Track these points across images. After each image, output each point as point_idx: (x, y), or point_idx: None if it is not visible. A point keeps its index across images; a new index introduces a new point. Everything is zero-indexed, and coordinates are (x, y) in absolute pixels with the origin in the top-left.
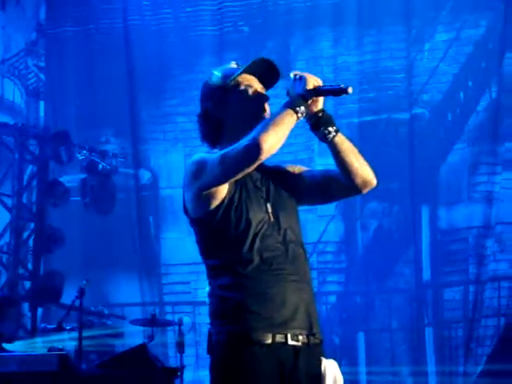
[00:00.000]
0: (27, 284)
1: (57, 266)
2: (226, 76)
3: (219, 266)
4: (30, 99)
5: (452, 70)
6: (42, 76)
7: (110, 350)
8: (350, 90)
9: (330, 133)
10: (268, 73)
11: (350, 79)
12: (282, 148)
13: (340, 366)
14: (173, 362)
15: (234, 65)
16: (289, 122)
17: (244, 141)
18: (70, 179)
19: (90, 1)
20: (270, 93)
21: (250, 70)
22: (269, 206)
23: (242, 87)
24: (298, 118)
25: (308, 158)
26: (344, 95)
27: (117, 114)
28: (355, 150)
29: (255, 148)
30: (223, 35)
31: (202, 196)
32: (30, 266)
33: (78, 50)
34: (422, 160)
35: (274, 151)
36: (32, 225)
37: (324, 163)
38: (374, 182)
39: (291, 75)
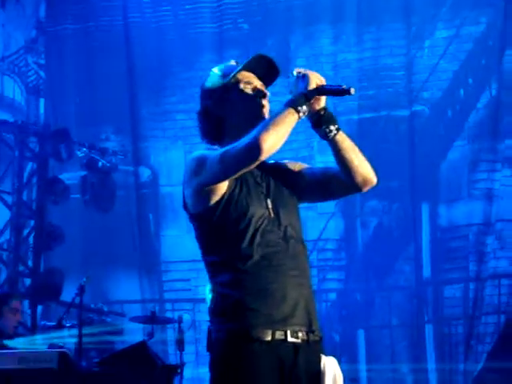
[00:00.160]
0: (27, 281)
1: (57, 264)
2: (226, 74)
3: (219, 263)
4: (30, 97)
5: (452, 67)
6: (42, 73)
7: (109, 348)
8: (352, 91)
9: (331, 131)
10: (267, 70)
11: (349, 76)
12: (282, 145)
13: (340, 363)
14: (173, 359)
15: (233, 63)
16: (290, 121)
17: (245, 140)
18: (70, 176)
19: None
20: (269, 90)
21: (249, 68)
22: (269, 201)
23: (242, 84)
24: (299, 117)
25: (308, 155)
26: (346, 95)
27: (117, 112)
28: (356, 149)
29: (256, 147)
30: (223, 32)
31: (202, 192)
32: (30, 263)
33: (77, 47)
34: (422, 157)
35: (274, 151)
36: (32, 222)
37: (324, 161)
38: (374, 180)
39: (294, 72)
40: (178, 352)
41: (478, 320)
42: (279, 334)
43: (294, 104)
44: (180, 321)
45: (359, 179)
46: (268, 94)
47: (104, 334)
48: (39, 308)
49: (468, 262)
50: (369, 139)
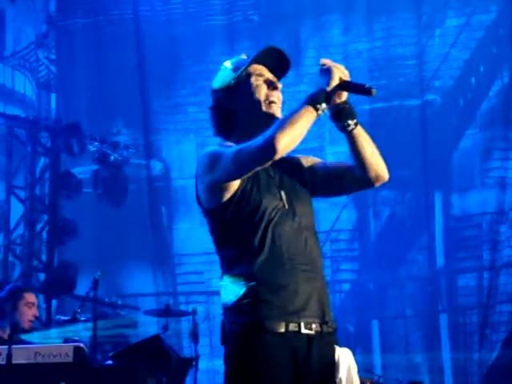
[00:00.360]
0: (41, 276)
1: (70, 258)
2: (237, 67)
3: (232, 256)
4: (41, 92)
5: (463, 55)
6: (52, 68)
7: (124, 341)
8: (374, 92)
9: (349, 125)
10: (278, 62)
11: (360, 67)
12: None
13: (354, 353)
14: (187, 351)
15: (244, 56)
16: (307, 119)
17: (259, 139)
18: (82, 171)
19: None
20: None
21: (260, 60)
22: (283, 193)
23: (253, 77)
24: (317, 114)
25: (319, 146)
26: (368, 95)
27: (128, 105)
28: (372, 144)
29: (270, 147)
30: (233, 24)
31: (215, 188)
32: (44, 257)
33: (88, 41)
34: (434, 146)
35: (289, 150)
36: (45, 217)
37: (335, 151)
38: (387, 176)
39: (320, 63)
40: (192, 344)
41: (493, 309)
42: (293, 326)
43: (313, 101)
44: (194, 313)
45: (372, 174)
46: (280, 86)
47: (118, 328)
48: (54, 302)
49: (482, 250)
50: (381, 129)
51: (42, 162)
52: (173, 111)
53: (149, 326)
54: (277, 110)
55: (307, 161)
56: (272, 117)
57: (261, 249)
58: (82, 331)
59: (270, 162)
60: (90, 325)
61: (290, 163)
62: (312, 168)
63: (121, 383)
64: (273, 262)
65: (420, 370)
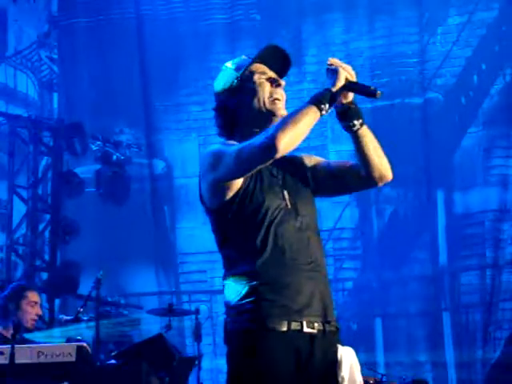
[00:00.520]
0: (44, 275)
1: (73, 257)
2: (239, 66)
3: (235, 256)
4: (43, 91)
5: (465, 53)
6: (55, 68)
7: (127, 340)
8: (378, 94)
9: (355, 125)
10: (279, 61)
11: (362, 65)
12: None
13: (357, 352)
14: (190, 350)
15: (244, 57)
16: (310, 119)
17: (261, 137)
18: (85, 170)
19: None
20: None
21: (261, 59)
22: (285, 192)
23: (256, 75)
24: (321, 114)
25: (321, 144)
26: (372, 98)
27: (130, 105)
28: (377, 144)
29: (271, 146)
30: (235, 23)
31: (218, 187)
32: (46, 257)
33: (90, 41)
34: (437, 144)
35: (291, 149)
36: (48, 216)
37: (337, 150)
38: (390, 176)
39: (328, 62)
40: (195, 343)
41: (496, 307)
42: (295, 325)
43: (317, 101)
44: (197, 312)
45: (376, 174)
46: (284, 83)
47: (121, 327)
48: (57, 302)
49: (484, 248)
50: (383, 127)
51: (45, 161)
52: (175, 110)
53: (152, 325)
54: (281, 108)
55: (310, 160)
56: (276, 114)
57: (263, 248)
58: (85, 330)
59: (271, 161)
60: (92, 324)
61: (293, 162)
62: (315, 167)
63: (124, 382)
64: (275, 261)
65: (423, 367)
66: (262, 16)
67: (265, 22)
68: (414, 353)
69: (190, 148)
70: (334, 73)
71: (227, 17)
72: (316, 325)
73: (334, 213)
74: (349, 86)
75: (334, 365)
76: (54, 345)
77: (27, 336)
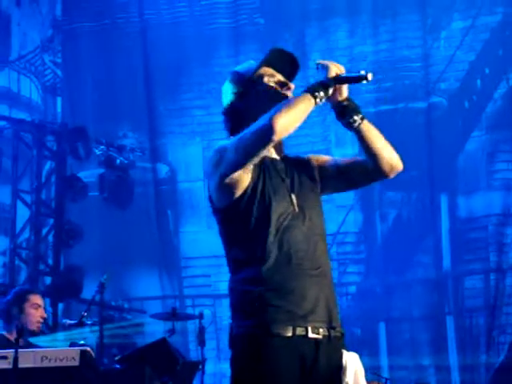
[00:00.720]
0: (48, 279)
1: (76, 261)
2: (248, 70)
3: (241, 259)
4: (47, 95)
5: (469, 57)
6: (58, 72)
7: (130, 345)
8: (369, 76)
9: (355, 121)
10: (287, 64)
11: (366, 69)
12: (298, 139)
13: (361, 356)
14: (194, 355)
15: (251, 61)
16: (305, 105)
17: (257, 122)
18: (88, 174)
19: None
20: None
21: (270, 63)
22: (293, 196)
23: (265, 78)
24: (316, 102)
25: (325, 148)
26: (365, 82)
27: (134, 109)
28: (381, 136)
29: (268, 129)
30: (239, 28)
31: (225, 184)
32: (50, 261)
33: (94, 45)
34: (440, 149)
35: (286, 133)
36: (51, 220)
37: (341, 154)
38: (401, 166)
39: (316, 63)
40: (199, 348)
41: (500, 311)
42: (300, 330)
43: (310, 90)
44: (201, 317)
45: (386, 166)
46: (293, 86)
47: (125, 331)
48: (60, 306)
49: (488, 252)
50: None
51: (48, 165)
52: (179, 114)
53: (155, 330)
54: None
55: (317, 159)
56: None
57: (269, 253)
58: (89, 335)
59: (270, 145)
60: (96, 328)
61: (301, 164)
62: (323, 166)
63: None
64: (281, 267)
65: (427, 372)
66: (266, 20)
67: (269, 26)
68: (418, 357)
69: (194, 152)
70: (323, 67)
71: (231, 21)
72: (321, 330)
73: (338, 217)
74: (340, 77)
75: (339, 370)
76: (57, 349)
77: (31, 340)
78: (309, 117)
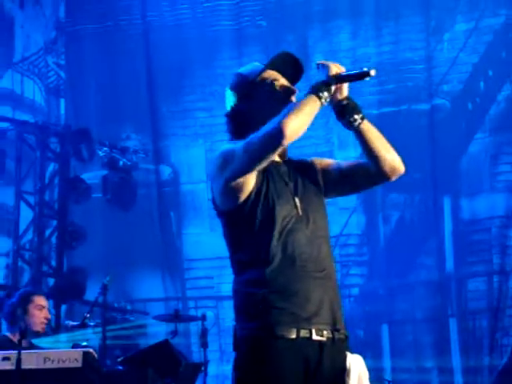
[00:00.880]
0: (51, 281)
1: (80, 263)
2: (252, 73)
3: (245, 261)
4: (50, 97)
5: (472, 59)
6: (62, 74)
7: (133, 346)
8: (372, 72)
9: (355, 120)
10: (292, 68)
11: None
12: (301, 141)
13: (364, 358)
14: (196, 357)
15: (256, 64)
16: (312, 107)
17: (267, 126)
18: (92, 176)
19: None
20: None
21: (274, 66)
22: (297, 200)
23: (269, 81)
24: (321, 103)
25: (328, 151)
26: (368, 79)
27: (137, 111)
28: (382, 137)
29: (278, 133)
30: (241, 30)
31: (230, 188)
32: (53, 263)
33: (97, 47)
34: (443, 151)
35: (296, 136)
36: (54, 222)
37: (344, 156)
38: (402, 168)
39: (316, 63)
40: (201, 349)
41: (503, 313)
42: (304, 332)
43: (314, 90)
44: (203, 318)
45: (387, 168)
46: (296, 91)
47: (127, 333)
48: (63, 307)
49: (491, 254)
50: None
51: (52, 167)
52: (181, 116)
53: (158, 331)
54: None
55: (321, 163)
56: None
57: (274, 255)
58: (92, 336)
59: (279, 149)
60: (99, 330)
61: (304, 168)
62: (326, 169)
63: None
64: (285, 269)
65: (430, 374)
66: (269, 22)
67: (271, 28)
68: (421, 359)
69: (197, 154)
70: (324, 66)
71: (234, 23)
72: (325, 332)
73: (341, 219)
74: (341, 76)
75: (343, 373)
76: (60, 350)
77: (34, 341)
78: None
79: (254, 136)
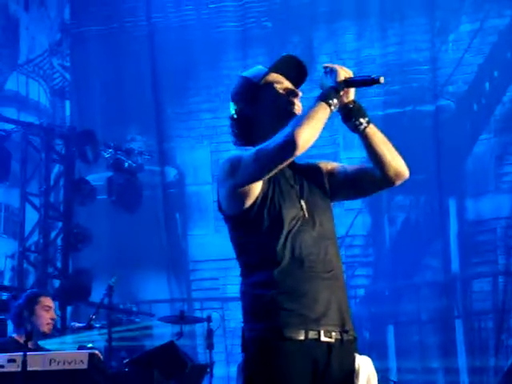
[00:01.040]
0: (56, 283)
1: (85, 265)
2: (256, 76)
3: (253, 264)
4: (55, 99)
5: (477, 60)
6: (67, 75)
7: (139, 348)
8: (381, 79)
9: (361, 124)
10: (296, 71)
11: (374, 72)
12: None
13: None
14: (202, 358)
15: (260, 67)
16: (323, 115)
17: (279, 136)
18: (97, 178)
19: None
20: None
21: (278, 69)
22: (303, 202)
23: (273, 84)
24: (331, 110)
25: (333, 152)
26: (376, 85)
27: (142, 112)
28: (387, 142)
29: (291, 143)
30: (246, 31)
31: (237, 194)
32: (58, 264)
33: (102, 48)
34: (448, 152)
35: (308, 146)
36: (60, 224)
37: (349, 157)
38: (407, 173)
39: (323, 67)
40: (207, 351)
41: (508, 314)
42: (312, 334)
43: (324, 98)
44: (209, 320)
45: (391, 173)
46: (300, 94)
47: (133, 334)
48: (69, 309)
49: (496, 255)
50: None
51: (57, 169)
52: (186, 118)
53: (163, 333)
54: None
55: (327, 166)
56: None
57: (281, 257)
58: (97, 338)
59: (291, 159)
60: (104, 331)
61: (310, 170)
62: (332, 173)
63: None
64: (293, 271)
65: (435, 375)
66: (274, 23)
67: (276, 29)
68: (426, 360)
69: (202, 155)
70: (331, 72)
71: (239, 24)
72: (333, 334)
73: (346, 220)
74: (349, 80)
75: (352, 374)
76: (66, 352)
77: (40, 343)
78: None
79: (266, 145)
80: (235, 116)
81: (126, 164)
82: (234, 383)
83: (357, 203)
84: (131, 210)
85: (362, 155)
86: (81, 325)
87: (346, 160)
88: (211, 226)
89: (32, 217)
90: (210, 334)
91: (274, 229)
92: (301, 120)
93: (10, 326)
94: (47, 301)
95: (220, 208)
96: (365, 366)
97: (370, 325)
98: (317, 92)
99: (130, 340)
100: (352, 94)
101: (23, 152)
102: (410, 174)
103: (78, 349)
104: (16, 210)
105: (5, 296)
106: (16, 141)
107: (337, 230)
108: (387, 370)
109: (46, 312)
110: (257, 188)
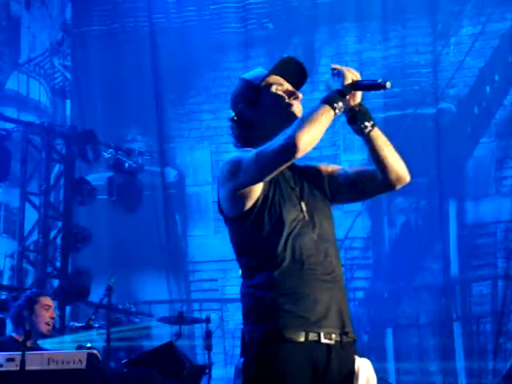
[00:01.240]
0: (55, 282)
1: (84, 264)
2: (256, 78)
3: (253, 266)
4: (56, 98)
5: (478, 63)
6: (68, 75)
7: (137, 348)
8: (388, 84)
9: (366, 127)
10: (296, 73)
11: (375, 74)
12: None
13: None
14: (200, 359)
15: (260, 69)
16: (326, 118)
17: (280, 138)
18: (97, 178)
19: (115, 0)
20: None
21: (278, 71)
22: (303, 204)
23: (274, 86)
24: (335, 113)
25: (333, 154)
26: (382, 91)
27: (143, 113)
28: (390, 146)
29: (291, 146)
30: (248, 32)
31: (237, 195)
32: (58, 264)
33: (103, 48)
34: (449, 154)
35: (310, 148)
36: (59, 223)
37: (349, 159)
38: (408, 178)
39: (331, 68)
40: (205, 352)
41: (507, 317)
42: (312, 336)
43: (329, 100)
44: (207, 321)
45: (393, 176)
46: (301, 96)
47: (132, 335)
48: (68, 309)
49: (496, 259)
50: (395, 137)
51: (57, 168)
52: (187, 118)
53: (162, 333)
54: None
55: (327, 169)
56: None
57: (281, 259)
58: (96, 338)
59: (292, 161)
60: (103, 331)
61: (310, 173)
62: (332, 175)
63: None
64: (293, 273)
65: (434, 378)
66: (275, 25)
67: (278, 31)
68: (425, 362)
69: (202, 156)
70: (339, 75)
71: (240, 25)
72: (333, 336)
73: (346, 222)
74: (356, 84)
75: (351, 376)
76: (64, 352)
77: (39, 342)
78: None
79: (267, 147)
80: (235, 118)
81: (127, 164)
82: None
83: (356, 205)
84: (131, 210)
85: (362, 158)
86: (80, 324)
87: (346, 162)
88: (211, 226)
89: (32, 216)
90: (208, 334)
91: (275, 230)
92: (303, 122)
93: (9, 326)
94: (47, 300)
95: (220, 209)
96: (364, 367)
97: (368, 327)
98: (318, 93)
99: (129, 340)
100: (359, 97)
101: (23, 151)
102: (411, 176)
103: (77, 348)
104: (16, 209)
105: (4, 295)
106: (16, 140)
107: (336, 232)
108: (386, 373)
109: (46, 311)
110: (257, 190)
